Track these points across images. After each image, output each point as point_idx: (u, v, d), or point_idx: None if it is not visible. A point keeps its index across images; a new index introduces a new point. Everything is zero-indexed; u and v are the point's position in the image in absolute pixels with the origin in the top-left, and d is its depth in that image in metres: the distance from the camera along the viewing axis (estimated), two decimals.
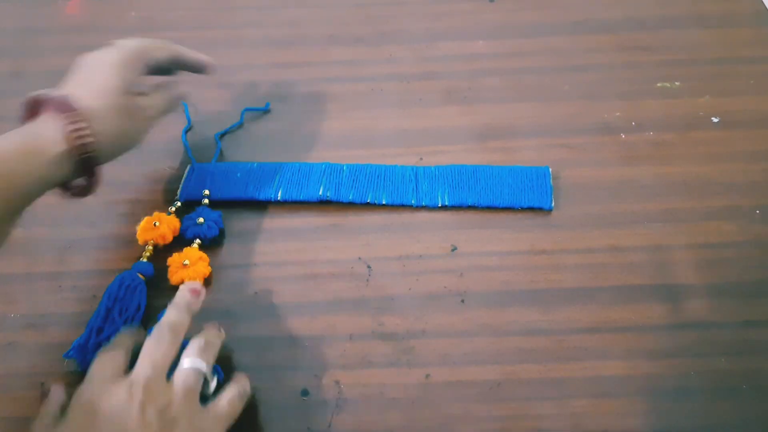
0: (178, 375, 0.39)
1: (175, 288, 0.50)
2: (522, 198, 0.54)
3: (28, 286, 0.51)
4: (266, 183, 0.56)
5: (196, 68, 0.55)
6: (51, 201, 0.56)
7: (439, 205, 0.54)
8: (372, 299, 0.50)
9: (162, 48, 0.51)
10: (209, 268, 0.51)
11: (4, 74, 0.67)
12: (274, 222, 0.54)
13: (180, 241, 0.53)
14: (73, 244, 0.53)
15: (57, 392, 0.41)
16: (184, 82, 0.55)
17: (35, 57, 0.68)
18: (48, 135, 0.42)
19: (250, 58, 0.67)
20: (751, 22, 0.68)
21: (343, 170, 0.56)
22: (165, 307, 0.49)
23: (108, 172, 0.58)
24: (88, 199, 0.56)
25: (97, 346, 0.46)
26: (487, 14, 0.70)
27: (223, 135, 0.61)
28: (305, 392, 0.45)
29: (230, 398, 0.41)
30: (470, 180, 0.55)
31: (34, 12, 0.73)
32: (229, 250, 0.53)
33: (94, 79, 0.46)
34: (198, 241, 0.52)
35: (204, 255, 0.51)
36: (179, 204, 0.55)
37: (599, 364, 0.46)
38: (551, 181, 0.55)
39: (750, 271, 0.50)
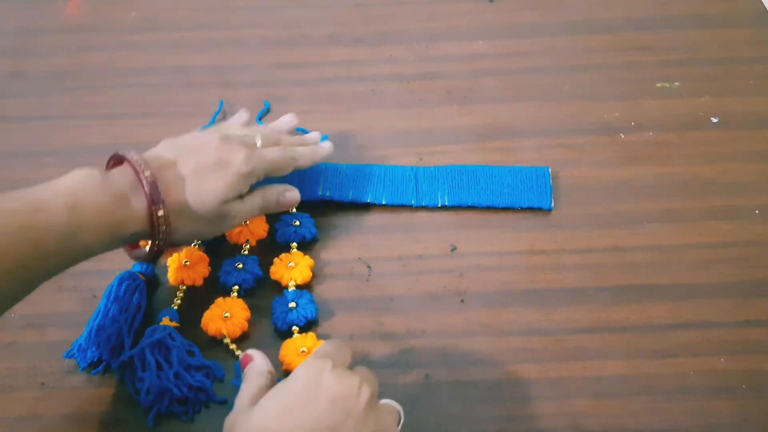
0: (385, 404, 0.39)
1: (176, 288, 0.50)
2: (522, 198, 0.54)
3: None
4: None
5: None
6: None
7: (439, 205, 0.54)
8: (372, 299, 0.50)
9: (287, 168, 0.50)
10: (209, 268, 0.51)
11: (4, 74, 0.67)
12: (275, 221, 0.54)
13: None
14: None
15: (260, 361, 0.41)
16: None
17: (35, 57, 0.68)
18: (131, 212, 0.42)
19: (250, 58, 0.67)
20: (750, 22, 0.68)
21: (343, 170, 0.56)
22: (165, 306, 0.49)
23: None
24: None
25: (98, 346, 0.46)
26: (487, 14, 0.70)
27: None
28: None
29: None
30: (470, 180, 0.55)
31: (34, 12, 0.73)
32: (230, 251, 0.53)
33: (205, 179, 0.44)
34: (197, 241, 0.52)
35: (204, 255, 0.51)
36: None
37: (599, 364, 0.46)
38: (551, 181, 0.55)
39: (749, 271, 0.50)
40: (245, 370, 0.41)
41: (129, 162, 0.43)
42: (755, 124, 0.59)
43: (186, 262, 0.50)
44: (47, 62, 0.67)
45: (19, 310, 0.49)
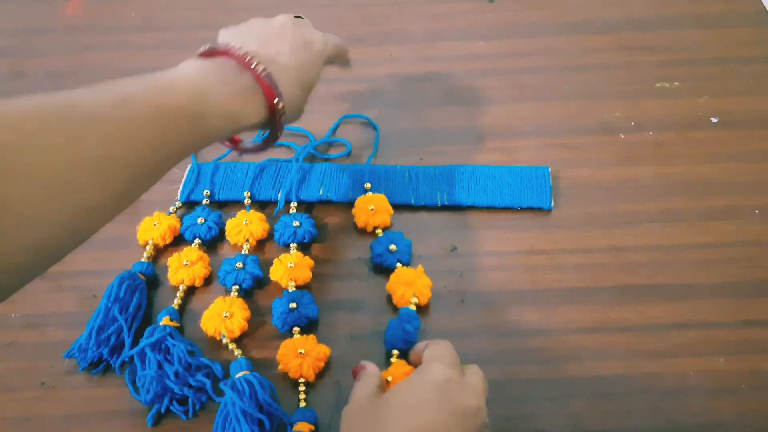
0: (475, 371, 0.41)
1: (176, 288, 0.50)
2: (522, 198, 0.54)
3: (29, 285, 0.51)
4: (266, 183, 0.56)
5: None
6: None
7: (439, 205, 0.54)
8: (372, 299, 0.50)
9: (343, 53, 0.52)
10: (209, 268, 0.51)
11: (3, 74, 0.67)
12: (274, 222, 0.54)
13: (180, 241, 0.53)
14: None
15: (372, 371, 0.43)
16: None
17: (35, 57, 0.68)
18: (253, 103, 0.42)
19: None
20: (750, 22, 0.68)
21: (344, 170, 0.56)
22: (165, 306, 0.49)
23: None
24: None
25: (98, 346, 0.46)
26: (486, 14, 0.70)
27: None
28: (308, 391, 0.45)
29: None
30: (470, 180, 0.55)
31: (34, 12, 0.73)
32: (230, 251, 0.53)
33: (304, 65, 0.45)
34: (198, 241, 0.52)
35: (204, 255, 0.51)
36: (179, 204, 0.55)
37: (599, 364, 0.46)
38: (551, 181, 0.55)
39: (749, 270, 0.50)
40: (360, 373, 0.43)
41: (234, 56, 0.42)
42: (755, 123, 0.59)
43: (186, 262, 0.50)
44: (47, 62, 0.67)
45: (20, 309, 0.50)
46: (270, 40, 0.45)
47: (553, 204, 0.54)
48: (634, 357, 0.46)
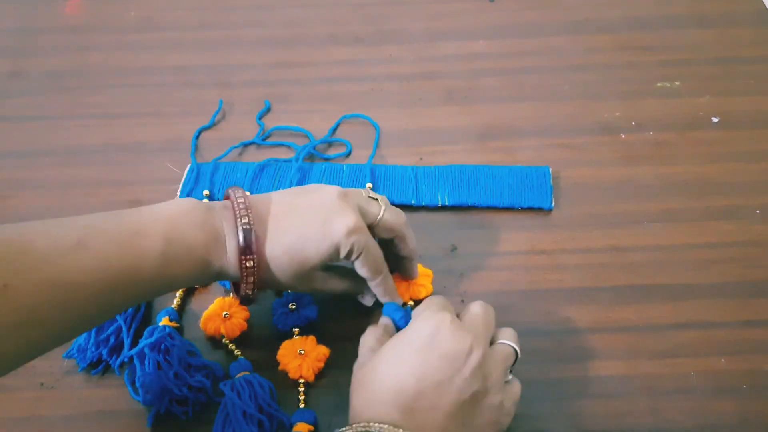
0: (500, 348, 0.40)
1: None
2: (522, 198, 0.54)
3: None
4: (266, 183, 0.56)
5: (404, 264, 0.48)
6: (50, 202, 0.56)
7: (439, 205, 0.54)
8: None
9: (386, 232, 0.45)
10: None
11: (3, 74, 0.67)
12: None
13: None
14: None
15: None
16: None
17: (35, 57, 0.68)
18: (222, 254, 0.40)
19: (250, 58, 0.67)
20: (751, 21, 0.68)
21: (343, 170, 0.56)
22: (165, 306, 0.49)
23: (108, 171, 0.58)
24: (88, 200, 0.56)
25: (97, 346, 0.46)
26: (487, 14, 0.70)
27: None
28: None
29: (520, 387, 0.41)
30: (470, 180, 0.55)
31: (34, 12, 0.73)
32: None
33: (305, 240, 0.41)
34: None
35: None
36: None
37: (599, 365, 0.46)
38: (551, 181, 0.55)
39: (750, 270, 0.50)
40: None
41: (231, 202, 0.41)
42: (756, 123, 0.59)
43: None
44: (46, 62, 0.67)
45: None
46: (297, 202, 0.42)
47: (553, 204, 0.54)
48: (634, 357, 0.46)
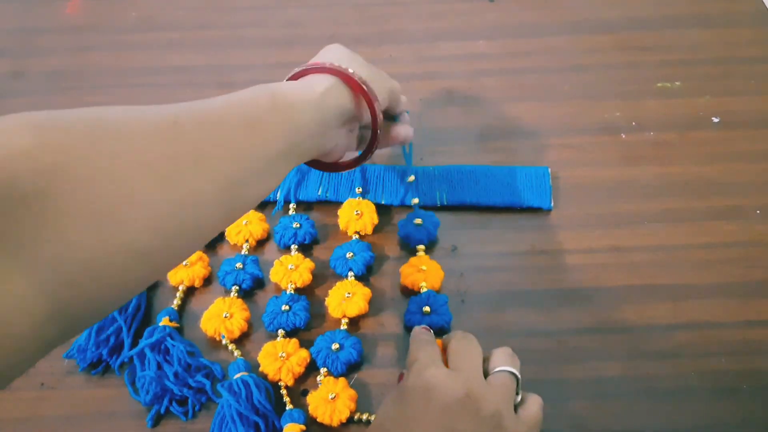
0: (496, 378, 0.38)
1: (175, 288, 0.50)
2: (522, 198, 0.54)
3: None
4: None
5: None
6: None
7: (439, 205, 0.54)
8: (372, 300, 0.49)
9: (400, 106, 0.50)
10: (209, 268, 0.51)
11: (3, 74, 0.67)
12: (274, 223, 0.54)
13: None
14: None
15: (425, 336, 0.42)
16: None
17: (35, 57, 0.68)
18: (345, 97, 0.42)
19: (250, 58, 0.67)
20: (751, 21, 0.68)
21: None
22: (165, 307, 0.49)
23: None
24: None
25: (97, 346, 0.46)
26: (487, 14, 0.70)
27: None
28: (305, 392, 0.45)
29: (539, 404, 0.39)
30: (470, 180, 0.55)
31: (34, 12, 0.73)
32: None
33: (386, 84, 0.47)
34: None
35: (204, 255, 0.51)
36: None
37: (599, 365, 0.46)
38: (550, 181, 0.55)
39: (750, 271, 0.50)
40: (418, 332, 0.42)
41: (329, 69, 0.43)
42: (756, 123, 0.59)
43: (185, 262, 0.50)
44: (47, 62, 0.67)
45: None
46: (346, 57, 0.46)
47: (553, 204, 0.54)
48: (634, 357, 0.46)
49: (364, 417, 0.44)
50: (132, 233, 0.28)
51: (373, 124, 0.43)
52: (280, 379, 0.45)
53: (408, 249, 0.52)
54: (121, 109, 0.31)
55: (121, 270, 0.28)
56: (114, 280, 0.28)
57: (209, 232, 0.33)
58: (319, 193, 0.55)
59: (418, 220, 0.52)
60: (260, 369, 0.46)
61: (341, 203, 0.54)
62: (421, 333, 0.42)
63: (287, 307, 0.48)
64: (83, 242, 0.26)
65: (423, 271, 0.49)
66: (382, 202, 0.54)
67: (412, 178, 0.54)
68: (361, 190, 0.54)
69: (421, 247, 0.51)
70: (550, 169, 0.56)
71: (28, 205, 0.25)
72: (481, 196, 0.54)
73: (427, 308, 0.47)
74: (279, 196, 0.54)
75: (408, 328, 0.48)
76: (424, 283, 0.49)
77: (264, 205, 0.55)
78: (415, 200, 0.53)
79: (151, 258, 0.29)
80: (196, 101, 0.35)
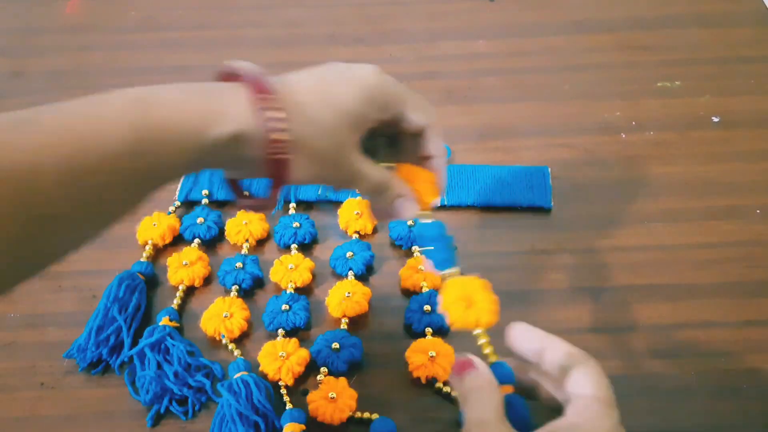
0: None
1: (175, 288, 0.50)
2: (522, 197, 0.54)
3: (28, 285, 0.50)
4: (265, 183, 0.55)
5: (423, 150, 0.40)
6: None
7: (439, 205, 0.54)
8: (372, 300, 0.49)
9: (418, 110, 0.39)
10: (209, 268, 0.51)
11: (3, 74, 0.67)
12: (274, 222, 0.54)
13: (180, 241, 0.53)
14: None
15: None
16: None
17: (35, 57, 0.68)
18: (234, 106, 0.31)
19: (250, 58, 0.66)
20: (751, 21, 0.68)
21: None
22: (165, 307, 0.49)
23: None
24: None
25: (97, 346, 0.46)
26: (487, 14, 0.70)
27: None
28: (305, 392, 0.45)
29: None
30: (470, 180, 0.55)
31: (34, 11, 0.73)
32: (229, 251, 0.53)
33: (330, 92, 0.34)
34: (197, 240, 0.52)
35: (204, 255, 0.51)
36: (179, 204, 0.55)
37: (600, 365, 0.46)
38: (551, 180, 0.55)
39: (750, 270, 0.50)
40: (468, 377, 0.33)
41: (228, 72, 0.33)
42: (756, 123, 0.59)
43: (185, 262, 0.50)
44: (46, 62, 0.67)
45: (19, 309, 0.50)
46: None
47: (553, 203, 0.54)
48: (634, 357, 0.46)
49: (365, 416, 0.44)
50: None
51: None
52: (280, 379, 0.45)
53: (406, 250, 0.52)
54: None
55: None
56: None
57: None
58: (319, 192, 0.55)
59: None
60: (260, 369, 0.46)
61: (341, 203, 0.54)
62: (472, 379, 0.33)
63: (287, 307, 0.48)
64: None
65: (422, 272, 0.49)
66: None
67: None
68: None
69: (417, 248, 0.51)
70: (550, 169, 0.56)
71: None
72: (481, 196, 0.54)
73: (427, 307, 0.47)
74: (279, 196, 0.54)
75: (409, 327, 0.48)
76: (424, 283, 0.49)
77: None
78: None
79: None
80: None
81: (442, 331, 0.47)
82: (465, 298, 0.36)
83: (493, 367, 0.35)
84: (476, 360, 0.34)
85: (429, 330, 0.47)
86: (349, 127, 0.34)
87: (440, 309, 0.36)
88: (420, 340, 0.46)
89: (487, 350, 0.36)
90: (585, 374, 0.32)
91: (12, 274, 0.29)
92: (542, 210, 0.54)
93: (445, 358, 0.45)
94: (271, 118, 0.31)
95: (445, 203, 0.54)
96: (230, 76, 0.34)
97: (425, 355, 0.45)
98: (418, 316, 0.47)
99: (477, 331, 0.36)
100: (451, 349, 0.45)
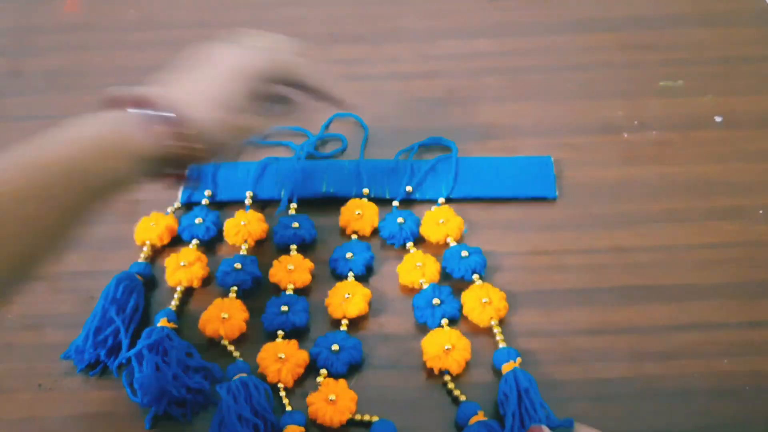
0: None
1: (173, 289, 0.50)
2: (525, 188, 0.54)
3: (26, 287, 0.51)
4: (269, 182, 0.55)
5: (323, 99, 0.49)
6: None
7: (440, 201, 0.54)
8: (372, 300, 0.49)
9: (296, 70, 0.46)
10: (207, 268, 0.50)
11: (2, 74, 0.66)
12: (273, 223, 0.54)
13: (178, 242, 0.53)
14: (70, 244, 0.53)
15: None
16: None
17: (34, 56, 0.68)
18: (134, 134, 0.38)
19: None
20: (754, 20, 0.67)
21: (345, 166, 0.56)
22: (163, 308, 0.48)
23: None
24: None
25: (95, 347, 0.46)
26: (488, 12, 0.70)
27: None
28: (305, 393, 0.45)
29: None
30: (472, 172, 0.55)
31: (32, 10, 0.72)
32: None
33: (210, 87, 0.41)
34: (196, 241, 0.52)
35: (202, 256, 0.51)
36: (177, 204, 0.55)
37: (601, 366, 0.46)
38: (554, 170, 0.55)
39: (753, 271, 0.50)
40: None
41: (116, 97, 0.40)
42: (759, 123, 0.59)
43: (183, 262, 0.50)
44: (45, 61, 0.67)
45: (17, 310, 0.49)
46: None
47: (557, 193, 0.54)
48: (636, 359, 0.46)
49: (365, 419, 0.43)
50: None
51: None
52: (279, 381, 0.45)
53: (403, 248, 0.52)
54: None
55: None
56: None
57: None
58: (324, 188, 0.54)
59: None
60: (259, 370, 0.45)
61: (343, 201, 0.54)
62: None
63: (286, 308, 0.47)
64: None
65: (419, 267, 0.49)
66: (387, 197, 0.54)
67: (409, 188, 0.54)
68: (368, 191, 0.54)
69: (411, 244, 0.51)
70: (552, 158, 0.55)
71: None
72: (483, 188, 0.54)
73: (436, 300, 0.47)
74: (283, 194, 0.54)
75: (420, 326, 0.47)
76: (423, 279, 0.49)
77: (264, 205, 0.55)
78: (409, 188, 0.54)
79: None
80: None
81: (453, 320, 0.47)
82: None
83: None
84: (545, 429, 0.38)
85: (445, 321, 0.47)
86: (232, 113, 0.41)
87: None
88: (438, 330, 0.46)
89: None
90: None
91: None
92: (545, 208, 0.54)
93: (460, 353, 0.45)
94: (160, 123, 0.38)
95: (450, 196, 0.54)
96: (113, 102, 0.41)
97: (440, 347, 0.45)
98: (430, 311, 0.47)
99: None
100: (468, 343, 0.45)
